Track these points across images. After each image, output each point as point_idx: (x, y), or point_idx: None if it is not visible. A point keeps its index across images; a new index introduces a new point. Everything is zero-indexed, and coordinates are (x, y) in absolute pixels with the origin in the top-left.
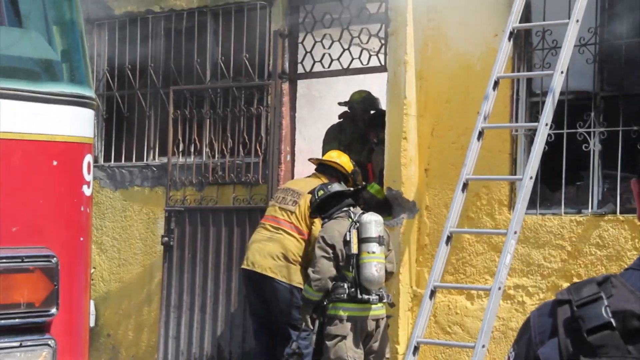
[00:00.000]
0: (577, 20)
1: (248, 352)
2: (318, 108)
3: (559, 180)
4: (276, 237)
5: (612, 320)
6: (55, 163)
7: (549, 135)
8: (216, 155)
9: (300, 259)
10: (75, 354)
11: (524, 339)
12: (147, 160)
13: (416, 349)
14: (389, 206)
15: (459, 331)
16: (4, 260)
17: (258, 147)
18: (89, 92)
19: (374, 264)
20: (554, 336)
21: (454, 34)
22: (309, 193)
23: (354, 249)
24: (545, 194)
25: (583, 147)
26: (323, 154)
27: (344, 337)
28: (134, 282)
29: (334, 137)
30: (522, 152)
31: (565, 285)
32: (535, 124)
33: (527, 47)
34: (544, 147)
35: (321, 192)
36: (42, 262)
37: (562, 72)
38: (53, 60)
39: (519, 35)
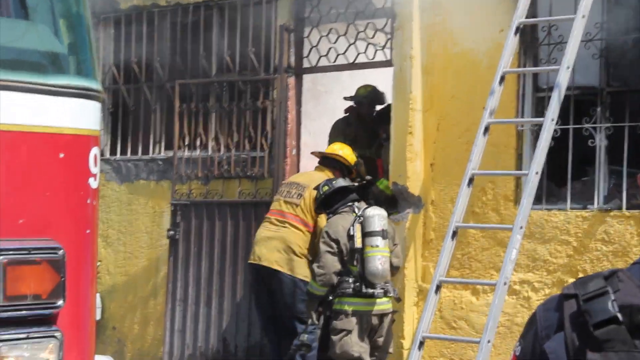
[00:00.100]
0: (584, 16)
1: (253, 346)
2: (323, 102)
3: (565, 176)
4: (282, 230)
5: (619, 315)
6: (61, 155)
7: (555, 130)
8: (222, 149)
9: (306, 252)
10: (82, 347)
11: (530, 333)
12: (152, 153)
13: (421, 343)
14: (397, 202)
15: (465, 326)
16: (11, 252)
17: (264, 141)
18: (96, 85)
19: (378, 257)
20: (560, 330)
21: (460, 28)
22: (314, 189)
23: (358, 243)
24: (551, 189)
25: (589, 143)
26: None
27: (350, 332)
28: (139, 276)
29: (339, 132)
30: (528, 147)
31: (571, 280)
32: (541, 119)
33: (533, 42)
34: (550, 143)
35: (326, 188)
36: (48, 254)
37: (568, 68)
38: (60, 52)
39: (525, 30)
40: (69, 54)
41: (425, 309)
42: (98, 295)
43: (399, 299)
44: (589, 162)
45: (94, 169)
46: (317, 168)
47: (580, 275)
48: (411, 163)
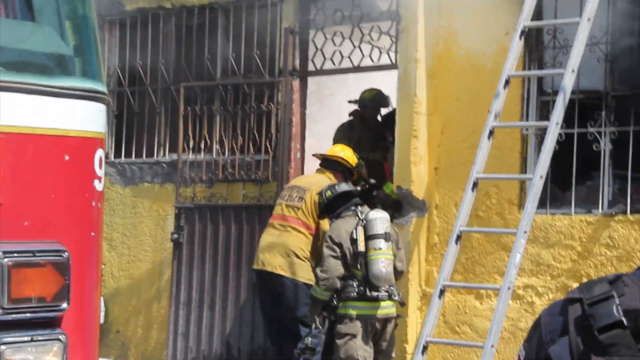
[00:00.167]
0: (589, 19)
1: (257, 350)
2: (328, 105)
3: (569, 180)
4: (284, 234)
5: (624, 319)
6: (67, 157)
7: (559, 134)
8: (226, 152)
9: (309, 255)
10: (86, 350)
11: (535, 337)
12: (157, 156)
13: (425, 348)
14: (402, 206)
15: (468, 331)
16: (16, 255)
17: (268, 145)
18: (102, 87)
19: (381, 260)
20: (564, 335)
21: (464, 31)
22: (317, 194)
23: (361, 246)
24: (556, 193)
25: (594, 147)
26: None
27: (354, 336)
28: (143, 279)
29: (344, 135)
30: (533, 151)
31: (575, 285)
32: (546, 123)
33: (538, 45)
34: (555, 147)
35: (329, 193)
36: (53, 256)
37: (573, 71)
38: (65, 54)
39: (530, 33)
40: (75, 55)
41: (428, 313)
42: (102, 298)
43: (403, 304)
44: (593, 166)
45: (99, 171)
46: (318, 170)
47: (585, 280)
48: (415, 167)
